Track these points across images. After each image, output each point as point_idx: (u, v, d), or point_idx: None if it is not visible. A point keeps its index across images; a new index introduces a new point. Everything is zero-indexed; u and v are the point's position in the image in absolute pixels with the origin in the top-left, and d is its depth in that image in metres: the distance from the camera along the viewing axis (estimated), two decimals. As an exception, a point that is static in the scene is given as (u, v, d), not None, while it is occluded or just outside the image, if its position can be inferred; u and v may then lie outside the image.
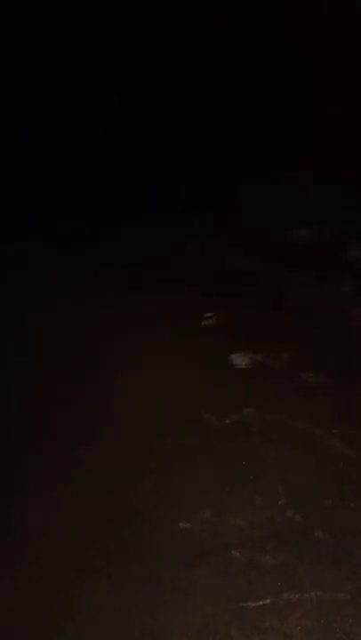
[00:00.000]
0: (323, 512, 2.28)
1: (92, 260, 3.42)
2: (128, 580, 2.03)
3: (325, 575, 2.07)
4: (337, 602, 1.99)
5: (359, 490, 2.35)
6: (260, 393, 2.77)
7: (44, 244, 3.48)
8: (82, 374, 2.81)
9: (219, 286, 3.23)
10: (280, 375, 2.89)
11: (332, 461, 2.46)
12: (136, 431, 2.53)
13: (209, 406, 2.65)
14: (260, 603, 2.01)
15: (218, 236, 3.39)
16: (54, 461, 2.40)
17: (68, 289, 3.23)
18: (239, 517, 2.24)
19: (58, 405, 2.65)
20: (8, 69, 3.89)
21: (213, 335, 3.11)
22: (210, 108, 3.89)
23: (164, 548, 2.13)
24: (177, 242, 3.39)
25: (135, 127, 3.70)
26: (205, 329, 3.15)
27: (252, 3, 4.04)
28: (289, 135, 3.74)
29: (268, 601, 2.00)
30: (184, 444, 2.48)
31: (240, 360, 2.97)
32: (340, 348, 2.95)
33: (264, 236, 3.36)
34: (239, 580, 2.06)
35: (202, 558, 2.11)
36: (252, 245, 3.30)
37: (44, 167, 3.54)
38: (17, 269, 3.41)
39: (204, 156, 3.69)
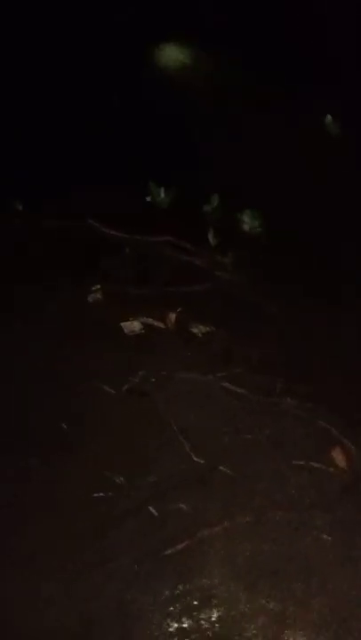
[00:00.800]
0: (223, 449, 2.45)
1: None
2: (51, 552, 2.13)
3: (231, 506, 2.26)
4: (243, 527, 2.18)
5: (251, 421, 2.54)
6: (154, 354, 2.89)
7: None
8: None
9: (93, 260, 3.27)
10: (170, 334, 3.00)
11: (224, 401, 2.63)
12: (32, 412, 2.57)
13: (106, 376, 2.73)
14: (178, 547, 2.17)
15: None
16: None
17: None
18: (149, 475, 2.38)
19: None
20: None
21: (101, 307, 3.16)
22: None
23: (82, 519, 2.23)
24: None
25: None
26: (92, 303, 3.19)
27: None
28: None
29: (184, 544, 2.17)
30: (84, 417, 2.56)
31: (131, 327, 3.05)
32: (218, 299, 3.09)
33: (123, 201, 3.41)
34: (157, 532, 2.21)
35: (120, 520, 2.24)
36: (114, 213, 3.35)
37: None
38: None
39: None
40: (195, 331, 3.03)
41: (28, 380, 2.69)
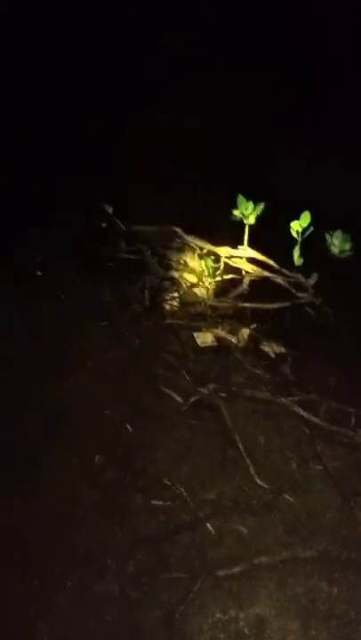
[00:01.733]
0: (289, 476, 2.37)
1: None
2: (107, 560, 2.10)
3: (293, 537, 2.17)
4: (303, 561, 2.08)
5: (321, 451, 2.44)
6: (224, 368, 2.84)
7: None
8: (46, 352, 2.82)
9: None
10: (242, 350, 2.95)
11: (294, 427, 2.54)
12: (101, 412, 2.56)
13: (175, 386, 2.70)
14: (234, 570, 2.10)
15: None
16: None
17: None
18: (209, 491, 2.32)
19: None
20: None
21: (176, 316, 3.14)
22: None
23: (138, 525, 2.20)
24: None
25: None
26: (168, 310, 3.18)
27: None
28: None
29: (240, 568, 2.09)
30: (150, 422, 2.53)
31: (204, 338, 3.02)
32: (294, 319, 3.02)
33: (211, 212, 3.38)
34: (212, 551, 2.15)
35: (176, 533, 2.19)
36: (199, 224, 3.33)
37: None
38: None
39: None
40: (267, 349, 2.96)
41: (98, 381, 2.69)
